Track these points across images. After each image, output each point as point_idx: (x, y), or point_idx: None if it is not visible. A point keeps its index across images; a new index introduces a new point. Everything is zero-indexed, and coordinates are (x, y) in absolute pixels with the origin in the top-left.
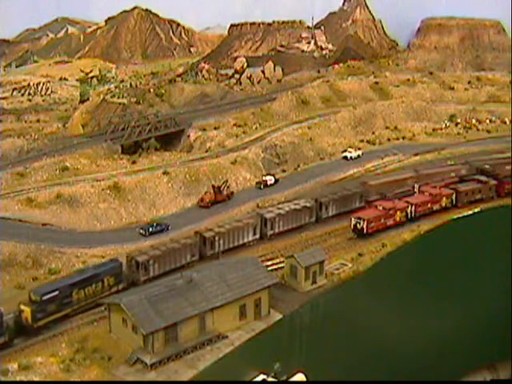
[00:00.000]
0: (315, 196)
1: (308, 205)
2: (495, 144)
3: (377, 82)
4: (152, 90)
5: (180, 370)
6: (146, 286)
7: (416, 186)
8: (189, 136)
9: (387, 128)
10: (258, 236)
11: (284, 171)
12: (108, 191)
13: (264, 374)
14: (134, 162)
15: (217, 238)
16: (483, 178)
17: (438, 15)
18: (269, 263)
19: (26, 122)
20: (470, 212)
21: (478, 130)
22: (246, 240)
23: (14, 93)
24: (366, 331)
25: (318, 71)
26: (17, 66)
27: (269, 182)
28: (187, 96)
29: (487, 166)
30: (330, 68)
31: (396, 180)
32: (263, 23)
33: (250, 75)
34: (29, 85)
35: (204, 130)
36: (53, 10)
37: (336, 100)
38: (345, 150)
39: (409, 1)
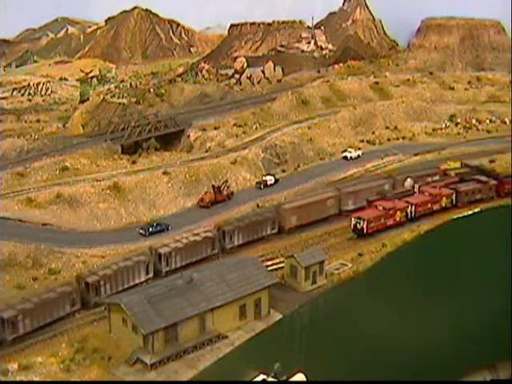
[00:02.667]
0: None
1: (210, 235)
2: (495, 144)
3: (377, 82)
4: (152, 90)
5: (180, 369)
6: (145, 286)
7: (416, 185)
8: (189, 136)
9: (387, 128)
10: (151, 275)
11: (284, 171)
12: (108, 191)
13: (264, 373)
14: (134, 162)
15: (102, 283)
16: (483, 178)
17: (437, 15)
18: (269, 263)
19: (25, 122)
20: (470, 212)
21: (478, 129)
22: (137, 281)
23: (14, 93)
24: (366, 331)
25: (318, 71)
26: (17, 66)
27: (269, 182)
28: (187, 96)
29: (409, 180)
30: (330, 68)
31: (315, 201)
32: (263, 23)
33: (250, 75)
34: (29, 85)
35: (204, 129)
36: (53, 10)
37: (336, 100)
38: (345, 150)
39: (409, 1)
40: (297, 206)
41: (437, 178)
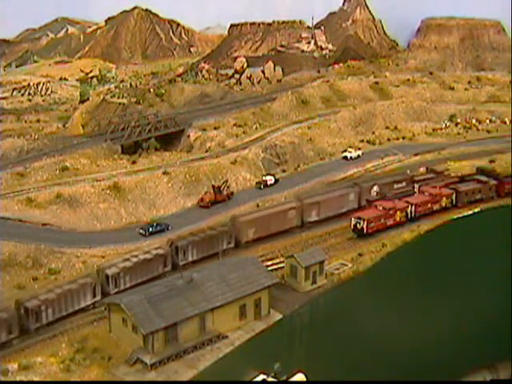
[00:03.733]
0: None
1: (161, 252)
2: (495, 144)
3: (377, 82)
4: (152, 90)
5: (180, 369)
6: (145, 286)
7: (417, 186)
8: (189, 136)
9: (387, 128)
10: (98, 297)
11: (284, 171)
12: (108, 191)
13: (264, 373)
14: (134, 162)
15: (43, 308)
16: (483, 178)
17: (437, 15)
18: (269, 263)
19: (26, 122)
20: (470, 212)
21: (478, 129)
22: (82, 305)
23: (14, 93)
24: (366, 331)
25: (318, 71)
26: (17, 66)
27: (269, 182)
28: (187, 96)
29: (375, 188)
30: (330, 68)
31: (274, 213)
32: (263, 23)
33: (250, 75)
34: (29, 85)
35: (204, 129)
36: (53, 10)
37: (336, 100)
38: (345, 150)
39: (409, 1)
40: (254, 219)
41: (403, 184)
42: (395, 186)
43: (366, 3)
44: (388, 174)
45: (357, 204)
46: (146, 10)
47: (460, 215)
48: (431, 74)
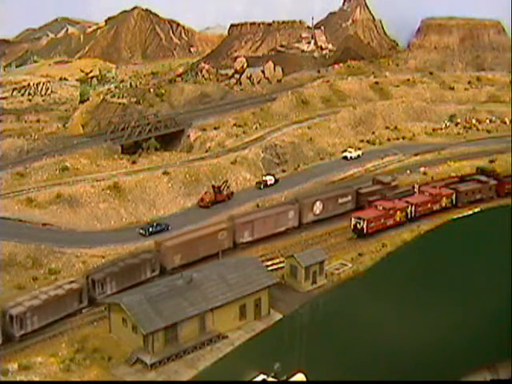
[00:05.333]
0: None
1: (75, 286)
2: (495, 144)
3: (377, 82)
4: (152, 90)
5: (180, 369)
6: (145, 286)
7: (417, 186)
8: (189, 136)
9: (387, 128)
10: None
11: (284, 171)
12: (108, 191)
13: (264, 373)
14: (134, 162)
15: None
16: (483, 178)
17: (437, 15)
18: (269, 263)
19: (26, 122)
20: (470, 212)
21: (477, 129)
22: None
23: (14, 93)
24: (366, 331)
25: (318, 71)
26: (17, 66)
27: (269, 182)
28: (187, 96)
29: (318, 204)
30: (330, 68)
31: (203, 236)
32: (263, 23)
33: (250, 75)
34: (29, 85)
35: (204, 130)
36: (53, 10)
37: (336, 100)
38: (345, 150)
39: (409, 1)
40: (180, 243)
41: (349, 198)
42: (340, 200)
43: (365, 3)
44: (331, 188)
45: (297, 222)
46: (146, 9)
47: (460, 215)
48: (431, 73)
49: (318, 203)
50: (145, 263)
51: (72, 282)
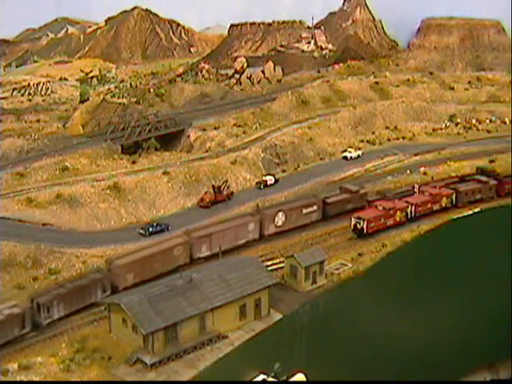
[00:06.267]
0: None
1: (16, 311)
2: (495, 144)
3: (377, 82)
4: (152, 90)
5: (180, 369)
6: (145, 286)
7: (417, 186)
8: (189, 136)
9: (387, 128)
10: None
11: (284, 171)
12: (108, 191)
13: (264, 373)
14: (134, 162)
15: None
16: (483, 178)
17: (437, 15)
18: (269, 263)
19: (26, 122)
20: (470, 212)
21: (477, 129)
22: None
23: (14, 93)
24: (366, 331)
25: (318, 71)
26: (17, 66)
27: (269, 182)
28: (187, 96)
29: (280, 215)
30: (330, 68)
31: (157, 252)
32: (263, 23)
33: (250, 75)
34: (29, 85)
35: (204, 130)
36: (53, 10)
37: (336, 100)
38: (345, 150)
39: (409, 1)
40: (133, 261)
41: (314, 208)
42: (304, 210)
43: (365, 3)
44: (295, 198)
45: (258, 234)
46: (146, 10)
47: (460, 215)
48: (431, 73)
49: (280, 214)
50: (95, 284)
51: (14, 306)
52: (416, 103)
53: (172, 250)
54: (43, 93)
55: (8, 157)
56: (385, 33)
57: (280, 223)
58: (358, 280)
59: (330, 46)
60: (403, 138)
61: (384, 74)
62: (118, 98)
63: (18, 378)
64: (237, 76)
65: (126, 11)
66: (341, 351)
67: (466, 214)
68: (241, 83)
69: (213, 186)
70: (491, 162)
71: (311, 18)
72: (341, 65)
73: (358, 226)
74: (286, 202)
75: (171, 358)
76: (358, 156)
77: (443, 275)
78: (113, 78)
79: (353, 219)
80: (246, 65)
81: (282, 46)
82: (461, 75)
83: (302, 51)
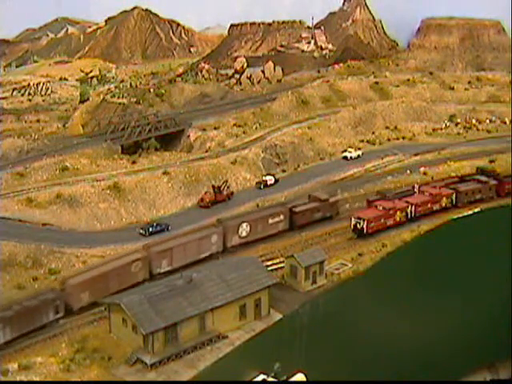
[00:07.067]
0: None
1: None
2: (495, 144)
3: (377, 82)
4: (152, 90)
5: (180, 369)
6: (145, 286)
7: (417, 186)
8: (189, 136)
9: (387, 128)
10: None
11: (284, 171)
12: (108, 191)
13: (264, 373)
14: (134, 162)
15: None
16: (483, 178)
17: (437, 15)
18: (269, 263)
19: (26, 122)
20: (470, 212)
21: (477, 129)
22: None
23: (14, 93)
24: (366, 331)
25: (318, 71)
26: (17, 66)
27: (269, 182)
28: (187, 96)
29: (244, 226)
30: (330, 68)
31: (114, 269)
32: (263, 23)
33: (250, 75)
34: (29, 85)
35: (204, 130)
36: (53, 10)
37: (336, 100)
38: (345, 150)
39: (409, 1)
40: (87, 280)
41: (281, 218)
42: (270, 220)
43: (365, 3)
44: (261, 208)
45: (222, 246)
46: (146, 10)
47: (460, 215)
48: (431, 73)
49: (244, 225)
50: (46, 304)
51: None
52: (416, 103)
53: (130, 266)
54: (43, 93)
55: (8, 157)
56: (385, 33)
57: (244, 234)
58: (357, 280)
59: (330, 46)
60: (403, 138)
61: (384, 74)
62: (118, 98)
63: (18, 378)
64: (237, 76)
65: (125, 11)
66: (341, 351)
67: (465, 213)
68: (241, 83)
69: (213, 186)
70: (491, 162)
71: (311, 18)
72: (341, 65)
73: (358, 225)
74: (250, 212)
75: (171, 358)
76: (358, 156)
77: (443, 275)
78: (113, 78)
79: (353, 219)
80: (245, 65)
81: (282, 46)
82: (461, 75)
83: (302, 51)
